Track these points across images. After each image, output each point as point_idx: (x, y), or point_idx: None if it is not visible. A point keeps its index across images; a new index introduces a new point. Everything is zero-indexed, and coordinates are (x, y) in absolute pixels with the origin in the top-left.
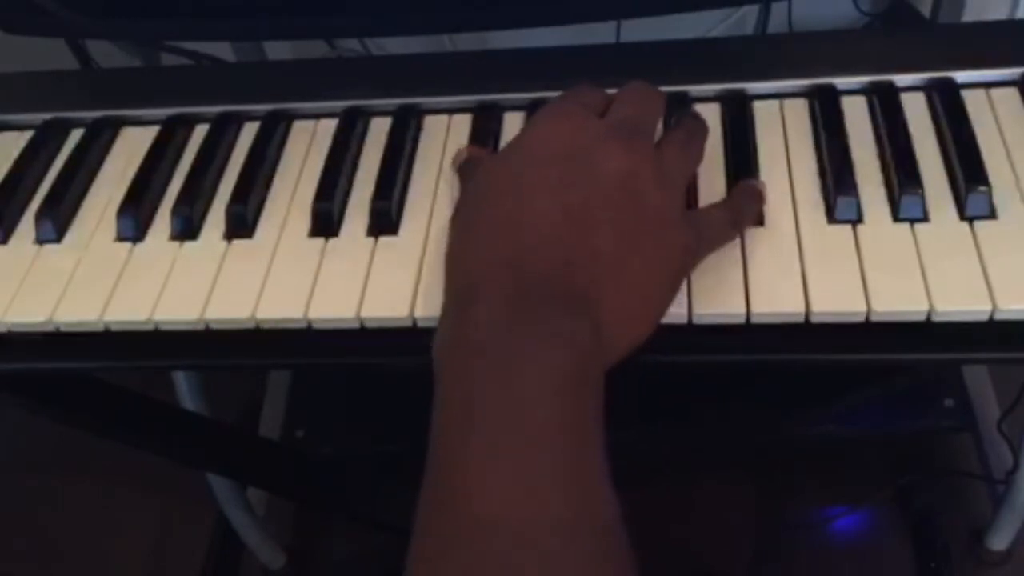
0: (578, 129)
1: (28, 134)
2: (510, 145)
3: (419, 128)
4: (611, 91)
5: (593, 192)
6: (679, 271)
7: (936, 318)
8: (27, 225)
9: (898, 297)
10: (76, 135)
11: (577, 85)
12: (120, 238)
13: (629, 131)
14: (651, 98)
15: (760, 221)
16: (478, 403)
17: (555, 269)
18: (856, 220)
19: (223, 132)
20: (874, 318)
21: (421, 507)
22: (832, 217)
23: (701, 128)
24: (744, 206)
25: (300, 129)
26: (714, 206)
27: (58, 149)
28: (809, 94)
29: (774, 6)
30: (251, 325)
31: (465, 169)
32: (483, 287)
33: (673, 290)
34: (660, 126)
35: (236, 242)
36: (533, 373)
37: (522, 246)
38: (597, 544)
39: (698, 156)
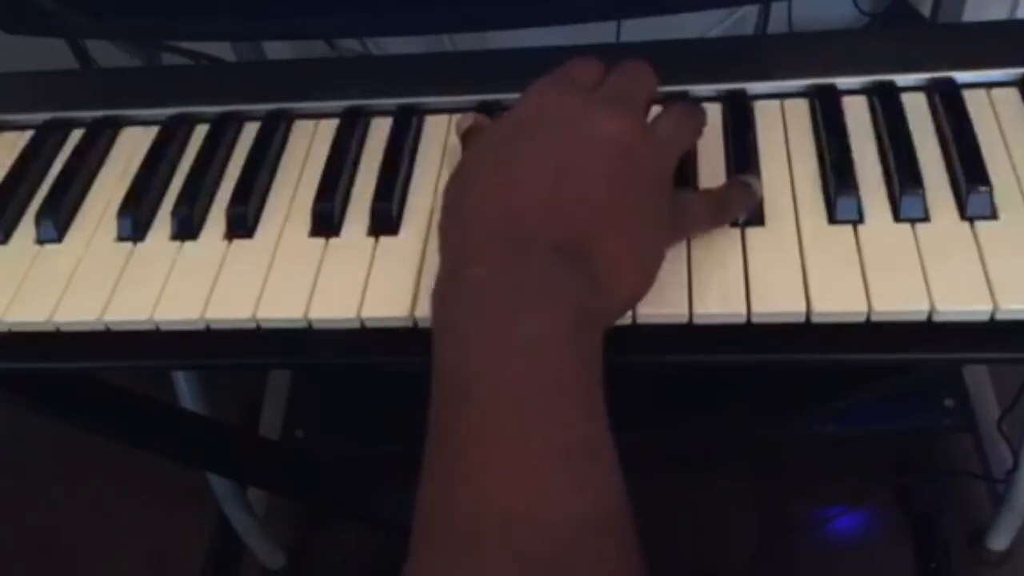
0: (570, 97)
1: (28, 134)
2: (504, 114)
3: (419, 128)
4: None
5: (586, 151)
6: (667, 235)
7: (937, 318)
8: (27, 225)
9: (899, 297)
10: (76, 135)
11: (572, 60)
12: (120, 238)
13: (621, 101)
14: (644, 75)
15: (760, 221)
16: (476, 372)
17: (548, 220)
18: (857, 220)
19: (223, 132)
20: (875, 318)
21: (423, 482)
22: (833, 217)
23: (697, 110)
24: (729, 197)
25: (300, 129)
26: (696, 192)
27: (58, 149)
28: (810, 94)
29: (774, 6)
30: (251, 325)
31: (468, 136)
32: (478, 245)
33: (663, 249)
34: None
35: (236, 242)
36: (531, 331)
37: (515, 202)
38: (602, 529)
39: (692, 133)
